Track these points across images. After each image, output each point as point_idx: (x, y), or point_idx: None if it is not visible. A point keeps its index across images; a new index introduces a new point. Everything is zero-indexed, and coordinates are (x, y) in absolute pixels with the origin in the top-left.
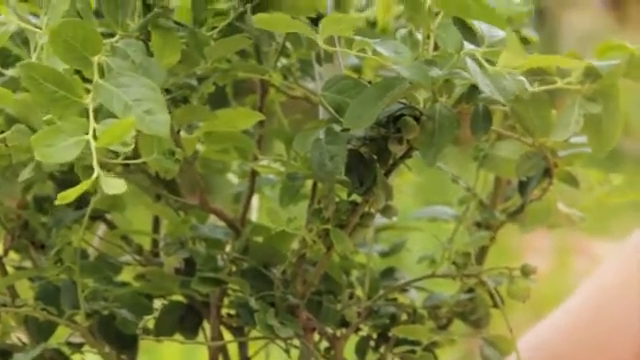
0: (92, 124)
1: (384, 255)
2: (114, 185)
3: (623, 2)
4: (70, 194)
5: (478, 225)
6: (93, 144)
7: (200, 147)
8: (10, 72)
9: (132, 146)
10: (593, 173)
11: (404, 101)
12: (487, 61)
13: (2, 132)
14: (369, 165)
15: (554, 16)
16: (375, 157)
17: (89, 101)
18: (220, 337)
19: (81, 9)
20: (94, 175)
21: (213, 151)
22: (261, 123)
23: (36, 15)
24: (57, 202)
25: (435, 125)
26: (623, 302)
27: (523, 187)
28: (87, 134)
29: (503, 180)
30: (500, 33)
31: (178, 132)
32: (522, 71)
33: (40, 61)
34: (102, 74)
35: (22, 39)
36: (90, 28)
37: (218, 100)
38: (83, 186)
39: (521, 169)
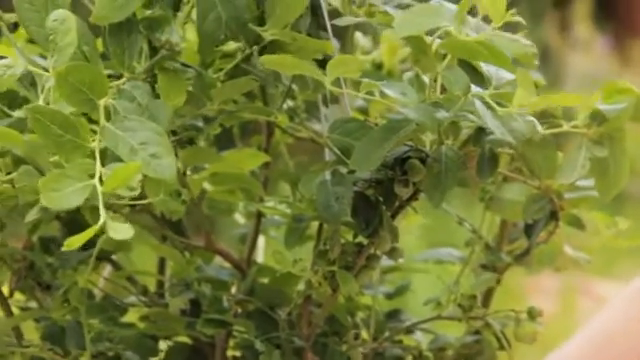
0: (98, 168)
1: (390, 297)
2: (121, 230)
3: (626, 45)
4: (76, 240)
5: (484, 267)
6: (99, 189)
7: (206, 188)
8: (17, 113)
9: (138, 190)
10: (599, 216)
11: (410, 143)
12: (496, 103)
13: (9, 173)
14: (375, 207)
15: (558, 58)
16: (381, 199)
17: (95, 144)
18: None
19: (88, 51)
20: (101, 221)
21: (219, 192)
22: (267, 164)
23: (43, 56)
24: (64, 248)
25: (441, 167)
26: (626, 344)
27: (529, 229)
28: (93, 178)
29: (509, 222)
30: (508, 75)
31: (184, 173)
32: (531, 112)
33: (47, 104)
34: (108, 117)
35: (29, 81)
36: (97, 71)
37: (224, 141)
38: (90, 232)
39: (527, 212)
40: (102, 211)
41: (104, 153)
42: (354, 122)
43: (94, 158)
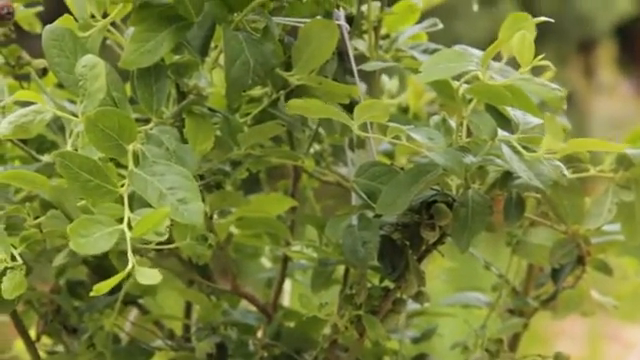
0: (127, 213)
1: (416, 341)
2: (148, 275)
3: None
4: (104, 286)
5: (511, 312)
6: (128, 234)
7: (233, 232)
8: (46, 158)
9: (166, 236)
10: (626, 261)
11: (437, 187)
12: (523, 147)
13: (37, 217)
14: (401, 251)
15: (583, 102)
16: (407, 243)
17: (124, 189)
18: None
19: (117, 97)
20: (128, 266)
21: (246, 236)
22: (293, 208)
23: (72, 101)
24: (92, 294)
25: (468, 212)
26: None
27: (556, 274)
28: (121, 223)
29: (536, 267)
30: (534, 120)
31: (211, 217)
32: (557, 157)
33: (75, 149)
34: (137, 161)
35: (58, 125)
36: (126, 116)
37: (251, 185)
38: (117, 278)
39: (554, 256)
40: (130, 257)
41: (132, 197)
42: (380, 166)
43: (122, 203)
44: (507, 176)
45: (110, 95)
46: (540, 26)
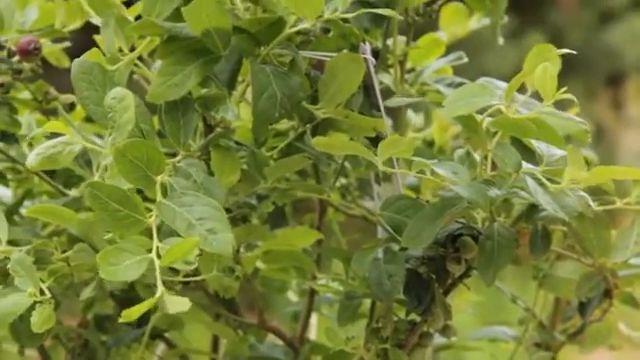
0: (156, 242)
1: None
2: (177, 303)
3: None
4: (133, 312)
5: (538, 346)
6: (157, 262)
7: (259, 265)
8: (73, 192)
9: (195, 264)
10: None
11: (462, 220)
12: (548, 180)
13: (64, 251)
14: (427, 284)
15: (611, 136)
16: (433, 276)
17: (152, 220)
18: None
19: (145, 129)
20: (158, 294)
21: (272, 269)
22: (319, 242)
23: (99, 136)
24: (121, 320)
25: (494, 245)
26: None
27: (583, 308)
28: (150, 252)
29: (563, 300)
30: (559, 152)
31: (238, 251)
32: (583, 189)
33: (104, 181)
34: (165, 193)
35: (85, 160)
36: (154, 148)
37: (277, 218)
38: (147, 304)
39: (581, 290)
40: (159, 283)
41: (160, 228)
42: (406, 200)
43: (149, 235)
44: (532, 209)
45: (139, 127)
46: (568, 59)
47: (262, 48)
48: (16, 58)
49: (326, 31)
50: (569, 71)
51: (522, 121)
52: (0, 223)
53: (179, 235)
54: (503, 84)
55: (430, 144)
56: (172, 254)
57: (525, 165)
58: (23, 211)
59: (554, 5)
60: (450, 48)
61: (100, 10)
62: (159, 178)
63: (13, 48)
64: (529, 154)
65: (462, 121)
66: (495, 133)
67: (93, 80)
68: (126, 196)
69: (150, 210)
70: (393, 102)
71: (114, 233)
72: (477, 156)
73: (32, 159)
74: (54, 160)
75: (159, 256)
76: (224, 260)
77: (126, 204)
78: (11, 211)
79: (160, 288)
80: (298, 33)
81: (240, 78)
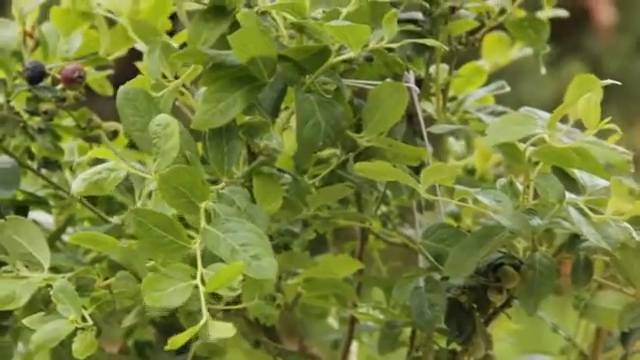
0: (200, 269)
1: None
2: (221, 329)
3: None
4: (178, 340)
5: None
6: (202, 289)
7: (300, 293)
8: (115, 219)
9: (239, 291)
10: None
11: (504, 250)
12: (590, 210)
13: (106, 278)
14: (469, 314)
15: None
16: (475, 306)
17: (196, 246)
18: None
19: (189, 156)
20: (203, 320)
21: (313, 297)
22: (360, 270)
23: (142, 163)
24: (166, 348)
25: (535, 274)
26: None
27: (625, 338)
28: (194, 279)
29: (604, 330)
30: (602, 182)
31: (279, 278)
32: (626, 219)
33: (146, 208)
34: (208, 219)
35: (127, 187)
36: (198, 175)
37: (318, 246)
38: (192, 331)
39: (623, 320)
40: (204, 310)
41: (204, 254)
42: (448, 228)
43: (192, 261)
44: (574, 239)
45: (183, 154)
46: (606, 86)
47: (307, 76)
48: (60, 86)
49: (370, 59)
50: (607, 98)
51: (565, 151)
52: (43, 250)
53: (222, 261)
54: (544, 113)
55: (471, 172)
56: (217, 280)
57: (568, 195)
58: (66, 238)
59: (591, 32)
60: (489, 77)
61: (145, 37)
62: (203, 204)
63: (57, 76)
64: (571, 183)
65: (504, 150)
66: (537, 162)
67: (138, 107)
68: (170, 222)
69: (192, 237)
70: (436, 129)
71: (157, 260)
72: (519, 185)
73: (77, 185)
74: (99, 186)
75: (203, 282)
76: (266, 287)
77: (170, 230)
78: (54, 238)
79: (205, 315)
80: (342, 61)
81: (284, 106)
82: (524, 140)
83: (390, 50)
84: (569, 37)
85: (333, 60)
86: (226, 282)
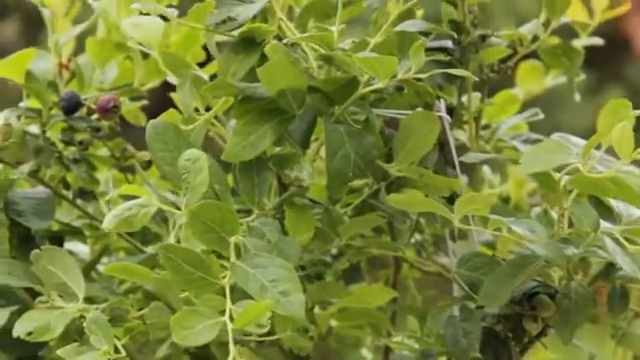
0: (229, 305)
1: None
2: None
3: None
4: None
5: None
6: (230, 326)
7: (334, 322)
8: (149, 249)
9: (267, 328)
10: None
11: (539, 279)
12: (626, 239)
13: (140, 309)
14: (504, 343)
15: None
16: (510, 335)
17: (225, 281)
18: None
19: (219, 190)
20: (230, 357)
21: (347, 327)
22: (394, 299)
23: (175, 192)
24: None
25: (571, 303)
26: None
27: None
28: (223, 315)
29: None
30: (637, 211)
31: (312, 308)
32: None
33: (178, 240)
34: (238, 253)
35: (161, 217)
36: (228, 210)
37: (352, 275)
38: None
39: None
40: (232, 348)
41: (233, 288)
42: (482, 257)
43: (224, 294)
44: (610, 268)
45: (212, 188)
46: None
47: (336, 107)
48: (95, 116)
49: (400, 89)
50: None
51: (600, 180)
52: (78, 280)
53: (252, 296)
54: (579, 140)
55: (506, 201)
56: (245, 317)
57: (603, 224)
58: (100, 268)
59: (631, 60)
60: (524, 103)
61: (176, 70)
62: (233, 239)
63: (92, 106)
64: (607, 212)
65: (539, 178)
66: (572, 191)
67: (167, 141)
68: (199, 259)
69: (225, 268)
70: (469, 158)
71: (189, 293)
72: (554, 214)
73: (109, 221)
74: (130, 222)
75: (232, 319)
76: (298, 320)
77: (199, 267)
78: (88, 268)
79: (232, 351)
80: (372, 91)
81: (314, 137)
82: (559, 169)
83: (419, 80)
84: (608, 64)
85: (362, 91)
86: (254, 319)
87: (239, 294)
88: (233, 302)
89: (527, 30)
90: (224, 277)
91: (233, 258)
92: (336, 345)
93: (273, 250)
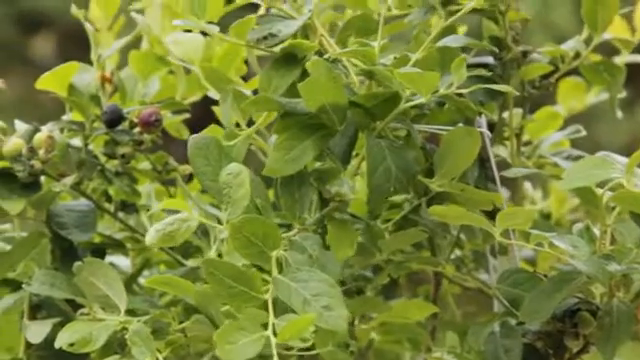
0: (271, 319)
1: None
2: None
3: None
4: None
5: None
6: (273, 340)
7: (373, 337)
8: (190, 263)
9: (311, 342)
10: None
11: (580, 295)
12: None
13: (181, 322)
14: (545, 359)
15: None
16: (551, 352)
17: (267, 295)
18: None
19: (260, 204)
20: None
21: (386, 341)
22: (434, 314)
23: (216, 206)
24: None
25: (612, 320)
26: None
27: None
28: (266, 329)
29: None
30: None
31: (352, 323)
32: None
33: (220, 254)
34: (280, 268)
35: (202, 230)
36: (270, 224)
37: (391, 291)
38: None
39: None
40: None
41: (275, 302)
42: (523, 273)
43: (265, 308)
44: None
45: (254, 202)
46: None
47: (377, 122)
48: (137, 129)
49: (441, 104)
50: None
51: None
52: (119, 293)
53: (294, 310)
54: (621, 158)
55: (547, 217)
56: (288, 331)
57: None
58: (142, 280)
59: None
60: (565, 121)
61: (217, 85)
62: (274, 253)
63: (135, 119)
64: None
65: (581, 194)
66: (614, 207)
67: (209, 156)
68: (241, 273)
69: (266, 282)
70: (511, 173)
71: (231, 306)
72: (596, 230)
73: (151, 236)
74: (172, 237)
75: (275, 333)
76: (339, 334)
77: (241, 281)
78: (130, 280)
79: None
80: (413, 107)
81: (355, 151)
82: (601, 185)
83: (460, 95)
84: None
85: (403, 106)
86: (297, 333)
87: (281, 308)
88: (275, 316)
89: (569, 47)
90: (266, 291)
91: (275, 272)
92: None
93: (314, 265)
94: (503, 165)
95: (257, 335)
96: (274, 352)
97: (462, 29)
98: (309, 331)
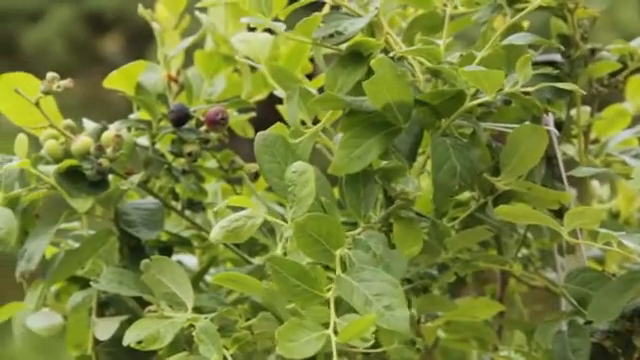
0: (333, 318)
1: None
2: None
3: None
4: None
5: None
6: (334, 339)
7: (440, 336)
8: (257, 260)
9: (372, 342)
10: None
11: None
12: None
13: (248, 319)
14: (614, 359)
15: None
16: (619, 351)
17: (330, 294)
18: None
19: (325, 202)
20: None
21: (453, 340)
22: (501, 313)
23: (282, 204)
24: None
25: None
26: None
27: None
28: (328, 327)
29: None
30: None
31: (418, 321)
32: None
33: (285, 252)
34: (344, 266)
35: (268, 228)
36: (334, 222)
37: (458, 289)
38: None
39: None
40: None
41: (338, 301)
42: (591, 272)
43: (328, 306)
44: None
45: (319, 200)
46: None
47: (442, 120)
48: (204, 128)
49: (507, 102)
50: None
51: None
52: (186, 290)
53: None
54: None
55: (615, 216)
56: (349, 331)
57: None
58: (208, 278)
59: None
60: (634, 120)
61: (283, 83)
62: (338, 252)
63: (201, 118)
64: None
65: None
66: None
67: (275, 153)
68: (305, 271)
69: (330, 280)
70: (579, 172)
71: (295, 304)
72: None
73: (216, 232)
74: (237, 234)
75: (336, 332)
76: (403, 334)
77: (304, 279)
78: (197, 278)
79: None
80: (479, 105)
81: (420, 150)
82: None
83: (527, 93)
84: None
85: (469, 104)
86: (358, 333)
87: (344, 307)
88: (338, 315)
89: (637, 44)
90: (329, 290)
91: (339, 271)
92: (442, 359)
93: (379, 264)
94: (570, 163)
95: (318, 334)
96: (334, 351)
97: (525, 24)
98: (370, 331)
